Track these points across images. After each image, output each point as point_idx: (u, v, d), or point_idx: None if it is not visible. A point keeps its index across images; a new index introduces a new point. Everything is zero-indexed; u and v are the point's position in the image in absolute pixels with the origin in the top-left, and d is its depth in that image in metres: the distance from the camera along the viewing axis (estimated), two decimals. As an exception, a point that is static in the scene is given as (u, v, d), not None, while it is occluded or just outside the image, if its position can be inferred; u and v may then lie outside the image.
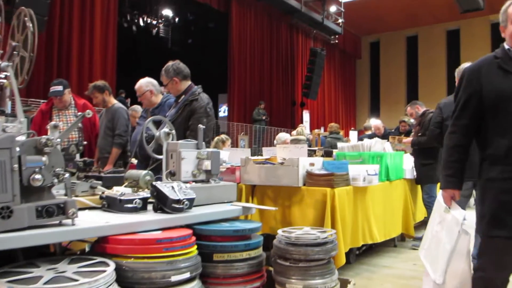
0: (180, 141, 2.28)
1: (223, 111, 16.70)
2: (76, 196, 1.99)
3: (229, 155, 4.56)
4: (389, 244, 4.61)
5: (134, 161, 3.86)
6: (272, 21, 16.01)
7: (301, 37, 17.49)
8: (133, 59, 14.15)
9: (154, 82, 3.99)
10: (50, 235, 1.46)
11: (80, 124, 4.21)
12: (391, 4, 16.76)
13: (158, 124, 2.75)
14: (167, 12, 15.56)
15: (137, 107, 5.91)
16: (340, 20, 17.22)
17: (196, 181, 2.24)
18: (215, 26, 15.69)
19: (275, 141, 6.42)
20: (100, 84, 4.63)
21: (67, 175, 1.60)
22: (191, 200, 1.93)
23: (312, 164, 3.51)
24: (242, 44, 14.57)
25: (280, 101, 16.26)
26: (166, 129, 2.48)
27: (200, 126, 2.31)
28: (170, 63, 3.44)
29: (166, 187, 1.93)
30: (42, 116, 4.21)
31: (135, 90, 4.03)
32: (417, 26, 19.08)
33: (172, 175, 2.20)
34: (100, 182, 2.17)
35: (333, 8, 16.91)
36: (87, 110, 1.87)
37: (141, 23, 14.81)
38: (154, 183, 1.96)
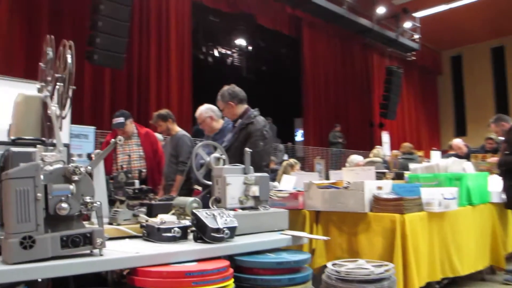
0: (225, 166, 2.17)
1: (299, 135, 16.56)
2: (118, 224, 1.93)
3: (297, 180, 4.39)
4: (476, 278, 4.08)
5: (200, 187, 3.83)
6: (344, 42, 15.77)
7: (375, 56, 17.00)
8: (209, 89, 14.53)
9: (214, 108, 3.97)
10: (74, 266, 1.40)
11: (141, 152, 4.34)
12: (471, 14, 15.75)
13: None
14: (241, 41, 15.93)
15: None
16: (416, 36, 16.52)
17: (243, 208, 2.11)
18: (288, 51, 15.76)
19: (347, 164, 6.13)
20: (164, 112, 4.72)
21: (97, 203, 1.54)
22: (232, 229, 1.79)
23: (379, 188, 3.23)
24: (315, 67, 14.47)
25: (357, 122, 15.80)
26: (216, 154, 2.39)
27: (247, 149, 2.18)
28: (225, 87, 3.39)
29: (206, 215, 1.82)
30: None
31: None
32: (502, 36, 17.71)
33: (218, 202, 2.08)
34: (143, 210, 2.11)
35: (408, 24, 16.29)
36: (118, 137, 1.83)
37: (216, 54, 15.28)
38: (194, 210, 1.85)
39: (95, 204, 1.52)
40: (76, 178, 1.49)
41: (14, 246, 1.33)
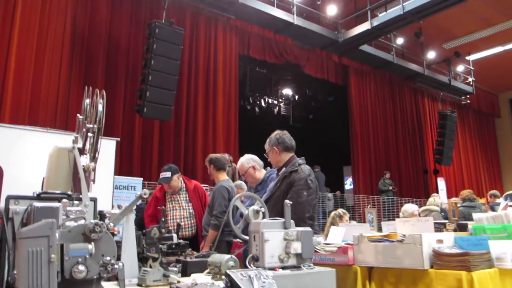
0: (263, 220, 1.98)
1: (349, 183, 16.10)
2: (147, 286, 1.77)
3: (346, 232, 4.09)
4: None
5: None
6: (394, 87, 15.49)
7: (427, 100, 16.54)
8: (256, 139, 14.59)
9: (255, 157, 3.84)
10: None
11: (191, 210, 4.22)
12: (529, 56, 15.13)
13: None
14: (287, 91, 16.04)
15: (241, 184, 5.87)
16: (470, 79, 15.96)
17: (284, 268, 1.89)
18: (335, 99, 15.67)
19: (401, 214, 5.74)
20: (213, 157, 4.62)
21: (119, 264, 1.39)
22: (270, 293, 1.58)
23: (440, 241, 2.90)
24: (363, 113, 14.21)
25: (409, 169, 15.18)
26: (255, 207, 2.21)
27: (287, 201, 1.98)
28: (275, 132, 3.27)
29: (241, 276, 1.62)
30: (156, 202, 4.27)
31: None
32: None
33: (255, 260, 1.88)
34: (174, 269, 1.94)
35: (460, 68, 15.83)
36: (144, 190, 1.70)
37: (263, 104, 15.41)
38: (228, 271, 1.66)
39: (116, 266, 1.37)
40: (95, 236, 1.36)
41: (23, 315, 1.19)
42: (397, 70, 14.45)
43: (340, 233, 3.86)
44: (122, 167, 8.55)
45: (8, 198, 1.61)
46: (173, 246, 2.46)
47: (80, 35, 8.75)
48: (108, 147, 6.34)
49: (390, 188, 12.83)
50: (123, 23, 9.39)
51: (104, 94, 1.80)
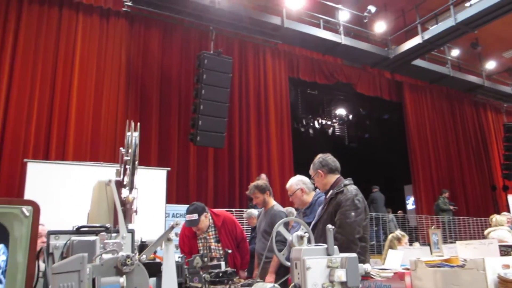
0: (305, 247, 1.90)
1: (411, 203, 15.44)
2: (188, 318, 1.73)
3: (405, 256, 3.87)
4: None
5: None
6: (452, 101, 14.85)
7: (490, 113, 15.70)
8: (311, 161, 14.45)
9: (306, 179, 3.76)
10: None
11: (221, 251, 4.11)
12: None
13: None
14: (340, 111, 15.83)
15: (252, 212, 5.94)
16: (536, 88, 15.03)
17: (329, 297, 1.78)
18: (390, 117, 15.27)
19: (490, 223, 5.38)
20: (262, 184, 4.57)
21: (153, 297, 1.36)
22: (312, 326, 1.49)
23: (506, 266, 2.65)
24: (421, 130, 13.69)
25: (475, 186, 14.34)
26: (299, 232, 2.13)
27: (329, 226, 1.89)
28: (319, 155, 3.20)
29: (281, 307, 1.54)
30: (189, 241, 4.22)
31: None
32: None
33: (298, 289, 1.79)
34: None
35: (524, 76, 14.94)
36: (176, 220, 1.68)
37: (316, 125, 15.28)
38: (269, 302, 1.59)
39: (148, 299, 1.34)
40: (127, 269, 1.35)
41: None
42: (455, 83, 13.86)
43: (398, 257, 3.65)
44: (179, 196, 8.72)
45: (49, 234, 1.65)
46: (220, 274, 2.44)
47: (134, 72, 9.18)
48: (159, 176, 6.51)
49: (451, 207, 12.14)
50: (174, 56, 9.76)
51: (139, 126, 1.83)
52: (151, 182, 6.23)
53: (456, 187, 13.51)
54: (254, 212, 6.73)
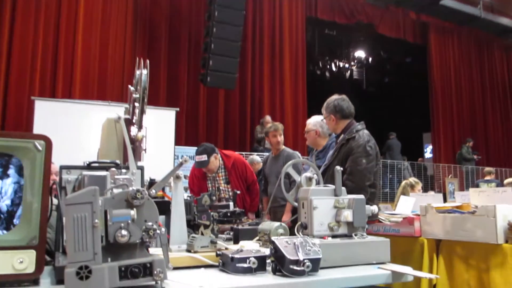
0: (312, 187, 1.99)
1: (429, 152, 15.49)
2: (195, 252, 1.86)
3: (417, 202, 3.99)
4: None
5: None
6: (481, 46, 14.47)
7: (521, 59, 15.29)
8: (327, 105, 14.46)
9: (325, 124, 3.81)
10: (127, 300, 1.33)
11: (230, 192, 4.25)
12: None
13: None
14: (359, 53, 15.57)
15: (254, 158, 6.01)
16: None
17: (334, 236, 1.90)
18: (413, 60, 15.02)
19: (505, 181, 5.46)
20: (281, 125, 4.72)
21: (162, 230, 1.48)
22: (315, 261, 1.60)
23: (518, 213, 2.74)
24: (445, 76, 13.48)
25: (498, 136, 14.28)
26: (308, 173, 2.22)
27: (338, 168, 1.97)
28: (334, 97, 3.22)
29: (286, 243, 1.65)
30: (199, 182, 4.35)
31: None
32: None
33: (304, 228, 1.90)
34: (223, 236, 2.02)
35: (560, 18, 14.39)
36: (184, 157, 1.76)
37: (333, 68, 15.11)
38: (273, 238, 1.70)
39: (158, 231, 1.45)
40: (137, 203, 1.44)
41: (70, 276, 1.31)
42: (486, 25, 13.45)
43: (410, 204, 3.77)
44: (188, 138, 8.88)
45: (61, 168, 1.76)
46: (229, 214, 2.57)
47: (142, 8, 9.07)
48: (167, 117, 6.61)
49: (474, 156, 12.18)
50: (184, -9, 9.58)
51: (148, 63, 1.88)
52: (160, 122, 6.34)
53: (478, 137, 13.47)
54: (257, 158, 6.88)
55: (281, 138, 4.62)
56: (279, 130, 4.61)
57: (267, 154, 5.45)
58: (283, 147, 4.67)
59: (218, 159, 4.28)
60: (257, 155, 7.16)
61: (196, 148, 4.44)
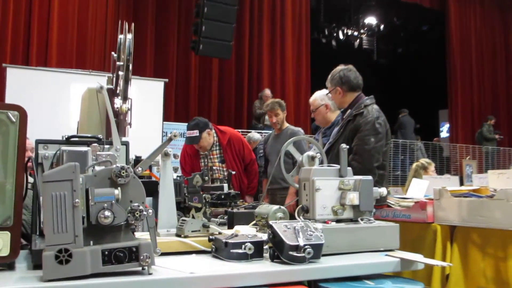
0: (315, 167, 2.00)
1: (445, 130, 15.56)
2: (186, 236, 1.88)
3: (430, 185, 4.02)
4: None
5: None
6: (506, 13, 14.38)
7: (550, 28, 15.21)
8: (333, 76, 14.44)
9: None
10: (113, 286, 1.36)
11: (225, 172, 4.26)
12: None
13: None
14: (370, 20, 15.46)
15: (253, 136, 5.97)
16: None
17: (338, 221, 1.92)
18: (429, 28, 14.92)
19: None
20: (283, 102, 4.75)
21: (149, 211, 1.49)
22: (316, 247, 1.63)
23: (540, 197, 2.77)
24: (465, 46, 13.44)
25: (523, 114, 14.33)
26: (310, 152, 2.23)
27: (343, 146, 1.98)
28: (339, 67, 3.22)
29: (285, 228, 1.68)
30: (191, 160, 4.36)
31: None
32: None
33: (305, 211, 1.93)
34: (216, 220, 2.04)
35: None
36: (174, 132, 1.77)
37: (341, 36, 15.03)
38: (271, 222, 1.73)
39: (144, 212, 1.47)
40: (122, 181, 1.46)
41: (49, 260, 1.33)
42: (511, -11, 13.37)
43: (423, 187, 3.80)
44: (178, 113, 8.87)
45: (37, 143, 1.76)
46: (222, 196, 2.59)
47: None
48: (155, 89, 6.58)
49: (496, 136, 12.22)
50: None
51: (133, 27, 1.87)
52: (147, 94, 6.31)
53: (500, 115, 13.50)
54: (256, 135, 6.89)
55: (279, 118, 4.62)
56: (275, 110, 4.60)
57: (266, 132, 5.46)
58: (287, 124, 4.69)
59: (212, 135, 4.28)
60: (257, 133, 7.16)
61: (183, 124, 4.46)
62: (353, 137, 2.85)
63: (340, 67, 3.23)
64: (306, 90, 10.71)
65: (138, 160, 2.30)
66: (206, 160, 4.33)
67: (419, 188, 3.79)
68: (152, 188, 2.18)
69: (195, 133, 4.11)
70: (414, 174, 5.23)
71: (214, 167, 4.26)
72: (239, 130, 8.18)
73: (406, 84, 14.47)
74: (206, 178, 2.29)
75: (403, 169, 10.64)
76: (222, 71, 9.79)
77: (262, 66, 10.31)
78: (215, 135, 4.32)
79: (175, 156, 2.12)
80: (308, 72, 11.02)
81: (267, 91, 8.94)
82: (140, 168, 1.58)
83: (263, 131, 7.55)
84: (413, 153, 11.11)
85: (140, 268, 1.43)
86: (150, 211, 1.51)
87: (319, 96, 3.94)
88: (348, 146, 2.00)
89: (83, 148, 1.71)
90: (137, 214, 1.47)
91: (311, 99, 4.02)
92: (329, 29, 14.70)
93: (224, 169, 4.25)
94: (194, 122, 4.21)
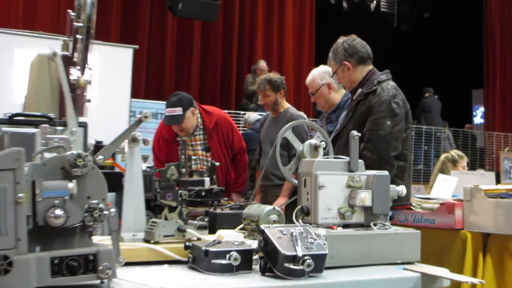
0: (319, 159, 2.00)
1: (479, 115, 15.68)
2: (156, 242, 1.88)
3: (460, 183, 4.05)
4: None
5: None
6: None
7: None
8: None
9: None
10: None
11: (209, 161, 4.23)
12: None
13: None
14: (390, -23, 15.51)
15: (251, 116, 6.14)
16: None
17: (346, 226, 1.93)
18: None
19: None
20: (277, 79, 4.61)
21: (112, 211, 1.49)
22: (319, 258, 1.63)
23: None
24: (504, 14, 13.50)
25: None
26: (313, 140, 2.23)
27: (354, 132, 1.98)
28: (340, 39, 3.22)
29: (281, 234, 1.68)
30: (167, 146, 4.29)
31: None
32: None
33: (305, 214, 1.93)
34: (194, 222, 2.05)
35: None
36: (144, 112, 1.76)
37: (354, -3, 15.07)
38: (263, 226, 1.72)
39: (105, 212, 1.46)
40: (78, 172, 1.44)
41: (-17, 270, 1.32)
42: None
43: (450, 184, 3.83)
44: (150, 88, 8.85)
45: (-28, 122, 1.75)
46: (203, 193, 2.59)
47: None
48: (121, 58, 6.52)
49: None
50: None
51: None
52: (111, 64, 6.25)
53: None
54: (255, 116, 6.88)
55: (268, 100, 4.54)
56: (266, 90, 4.52)
57: (261, 114, 5.46)
58: (286, 105, 4.62)
59: (196, 115, 4.21)
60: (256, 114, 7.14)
61: (160, 102, 4.42)
62: (365, 121, 2.86)
63: (341, 39, 3.23)
64: (309, 64, 10.69)
65: (99, 146, 2.29)
66: (185, 147, 4.31)
67: (446, 186, 3.82)
68: (115, 182, 2.17)
69: (178, 111, 4.02)
70: (441, 168, 5.25)
71: (195, 156, 4.20)
72: (226, 111, 8.20)
73: (432, 57, 14.50)
74: (184, 170, 2.29)
75: (426, 163, 10.71)
76: (206, 37, 9.76)
77: (255, 31, 10.28)
78: (199, 116, 4.26)
79: (145, 142, 2.10)
80: (313, 40, 11.03)
81: (262, 63, 8.92)
82: (101, 157, 1.56)
83: (256, 113, 7.55)
84: (439, 142, 11.17)
85: (98, 282, 1.42)
86: (113, 210, 1.50)
87: (318, 74, 3.92)
88: (359, 134, 2.00)
89: (30, 130, 1.70)
90: (95, 213, 1.46)
91: (308, 79, 3.99)
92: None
93: (209, 159, 4.20)
94: (177, 98, 4.14)
